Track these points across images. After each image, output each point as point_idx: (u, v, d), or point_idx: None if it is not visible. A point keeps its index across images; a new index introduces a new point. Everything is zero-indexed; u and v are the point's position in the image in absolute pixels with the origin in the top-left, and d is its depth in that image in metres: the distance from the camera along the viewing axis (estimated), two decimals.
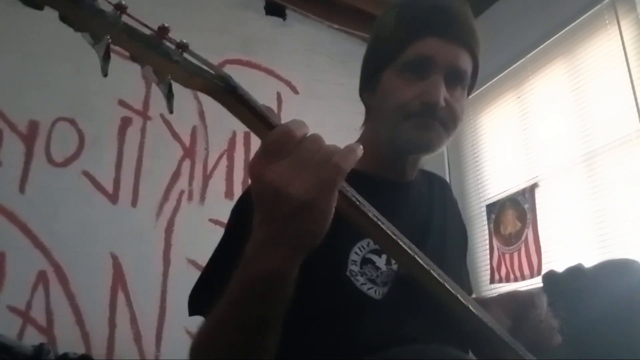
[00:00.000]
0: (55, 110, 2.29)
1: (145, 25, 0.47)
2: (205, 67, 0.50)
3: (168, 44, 0.48)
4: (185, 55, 0.48)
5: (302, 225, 0.51)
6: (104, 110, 2.35)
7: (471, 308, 0.70)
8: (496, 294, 0.94)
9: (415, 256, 0.64)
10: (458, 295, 0.69)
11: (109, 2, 0.45)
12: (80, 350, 2.01)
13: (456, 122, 0.86)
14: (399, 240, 0.62)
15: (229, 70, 2.35)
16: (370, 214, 0.59)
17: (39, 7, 0.43)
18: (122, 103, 2.40)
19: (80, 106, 2.31)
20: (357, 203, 0.57)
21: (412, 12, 0.87)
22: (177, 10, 2.65)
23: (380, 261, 0.80)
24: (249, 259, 0.55)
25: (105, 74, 0.45)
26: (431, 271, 0.66)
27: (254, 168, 0.51)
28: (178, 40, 0.48)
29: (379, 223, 0.59)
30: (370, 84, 0.92)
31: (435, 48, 0.83)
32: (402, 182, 0.92)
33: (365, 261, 0.80)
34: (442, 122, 0.84)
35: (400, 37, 0.86)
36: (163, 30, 0.47)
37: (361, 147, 0.53)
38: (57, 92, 2.27)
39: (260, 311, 0.57)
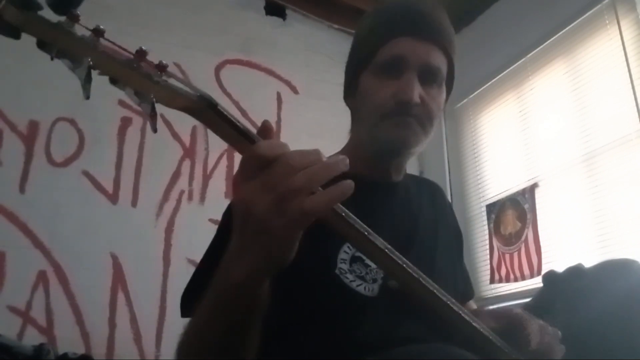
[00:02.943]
0: (55, 110, 2.29)
1: (124, 49, 0.47)
2: (185, 87, 0.50)
3: (147, 66, 0.48)
4: (165, 76, 0.48)
5: (263, 247, 0.51)
6: (104, 110, 2.35)
7: (462, 314, 0.71)
8: (489, 308, 0.94)
9: (403, 264, 0.64)
10: (448, 302, 0.69)
11: (87, 28, 0.45)
12: (80, 350, 2.01)
13: (432, 120, 0.88)
14: (384, 248, 0.62)
15: (229, 70, 2.36)
16: (355, 224, 0.58)
17: (16, 37, 0.43)
18: (122, 103, 2.39)
19: (80, 106, 2.30)
20: (343, 215, 0.57)
21: (385, 16, 0.90)
22: (177, 10, 2.65)
23: None
24: (222, 267, 0.56)
25: (87, 97, 0.45)
26: (419, 278, 0.66)
27: (233, 181, 0.52)
28: (157, 62, 0.48)
29: (365, 232, 0.59)
30: (350, 89, 0.95)
31: (406, 47, 0.85)
32: (388, 182, 0.94)
33: (355, 259, 0.81)
34: (418, 119, 0.86)
35: (374, 40, 0.88)
36: (141, 54, 0.47)
37: (349, 185, 0.50)
38: (57, 92, 2.26)
39: (231, 317, 0.58)
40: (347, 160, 0.51)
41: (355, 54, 0.94)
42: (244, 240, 0.53)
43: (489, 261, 2.60)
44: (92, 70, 0.45)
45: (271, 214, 0.48)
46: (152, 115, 0.48)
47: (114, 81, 0.47)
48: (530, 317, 0.82)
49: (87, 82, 0.45)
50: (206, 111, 0.51)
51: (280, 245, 0.51)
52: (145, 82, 0.47)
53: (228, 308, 0.57)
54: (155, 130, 0.50)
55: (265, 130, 0.53)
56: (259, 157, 0.49)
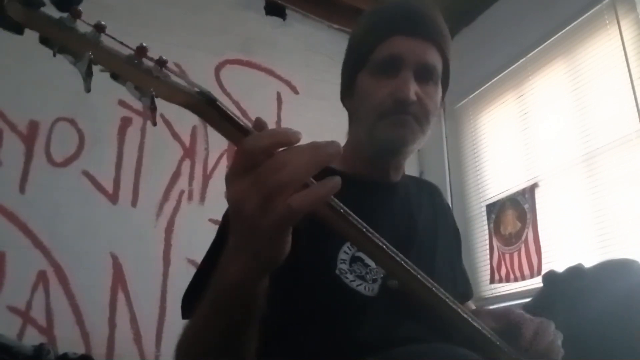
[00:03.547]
0: (55, 110, 2.29)
1: (125, 45, 0.47)
2: (185, 83, 0.50)
3: (147, 62, 0.48)
4: (165, 72, 0.49)
5: (254, 246, 0.51)
6: (104, 110, 2.35)
7: (462, 313, 0.71)
8: (489, 308, 0.94)
9: (402, 262, 0.64)
10: (448, 301, 0.69)
11: (88, 24, 0.45)
12: (80, 350, 2.01)
13: (429, 117, 0.88)
14: (384, 247, 0.62)
15: (229, 70, 2.35)
16: (356, 223, 0.58)
17: (19, 32, 0.44)
18: (122, 103, 2.40)
19: (80, 106, 2.31)
20: (341, 211, 0.57)
21: (380, 16, 0.91)
22: (177, 10, 2.65)
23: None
24: (220, 266, 0.56)
25: (88, 90, 0.45)
26: (419, 277, 0.66)
27: (225, 179, 0.51)
28: (157, 58, 0.48)
29: (364, 230, 0.59)
30: (348, 89, 0.95)
31: (401, 46, 0.86)
32: (387, 183, 0.94)
33: (355, 259, 0.81)
34: (415, 117, 0.86)
35: (370, 40, 0.89)
36: (142, 50, 0.47)
37: (336, 182, 0.49)
38: (57, 92, 2.26)
39: (228, 317, 0.58)
40: (337, 145, 0.50)
41: (352, 54, 0.95)
42: (237, 240, 0.52)
43: (489, 261, 2.60)
44: (93, 66, 0.46)
45: (259, 213, 0.48)
46: (152, 109, 0.48)
47: (114, 76, 0.47)
48: (530, 317, 0.82)
49: (87, 75, 0.45)
50: (205, 107, 0.51)
51: (269, 243, 0.51)
52: (145, 77, 0.47)
53: (225, 308, 0.57)
54: (154, 123, 0.50)
55: (259, 127, 0.53)
56: (246, 151, 0.49)
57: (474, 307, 1.08)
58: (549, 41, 2.48)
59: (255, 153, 0.48)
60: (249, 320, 0.59)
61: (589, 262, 0.98)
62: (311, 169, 0.48)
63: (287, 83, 2.86)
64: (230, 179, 0.50)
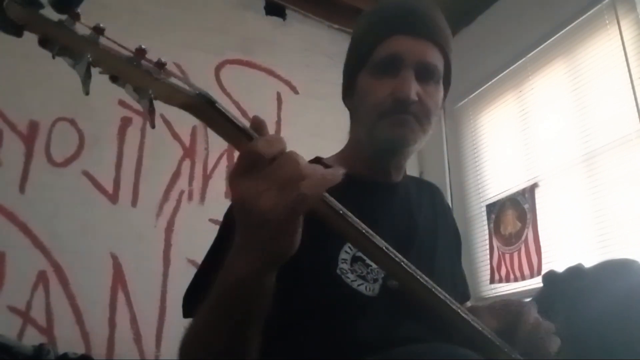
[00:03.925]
0: (55, 110, 2.29)
1: (124, 47, 0.48)
2: (184, 85, 0.50)
3: (146, 63, 0.48)
4: (164, 73, 0.49)
5: (266, 241, 0.52)
6: (104, 110, 2.35)
7: (462, 313, 0.71)
8: (487, 304, 0.94)
9: (401, 263, 0.64)
10: (448, 301, 0.70)
11: (87, 26, 0.45)
12: (80, 350, 2.01)
13: (430, 117, 0.88)
14: (383, 247, 0.62)
15: (229, 70, 2.35)
16: (355, 224, 0.59)
17: (19, 35, 0.44)
18: (122, 103, 2.40)
19: (80, 106, 2.31)
20: (340, 212, 0.57)
21: (380, 15, 0.91)
22: (177, 11, 2.65)
23: None
24: (226, 264, 0.56)
25: (86, 93, 0.45)
26: (419, 277, 0.66)
27: (229, 179, 0.52)
28: (156, 59, 0.49)
29: (364, 231, 0.60)
30: (349, 89, 0.95)
31: (402, 45, 0.85)
32: (388, 183, 0.94)
33: (356, 259, 0.81)
34: (415, 117, 0.86)
35: (370, 39, 0.89)
36: (141, 52, 0.47)
37: (340, 172, 0.52)
38: (57, 92, 2.26)
39: (234, 314, 0.58)
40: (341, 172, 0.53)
41: (352, 55, 0.95)
42: (246, 236, 0.53)
43: (489, 261, 2.60)
44: (92, 68, 0.46)
45: (270, 206, 0.49)
46: (151, 111, 0.49)
47: (114, 79, 0.47)
48: (529, 307, 0.82)
49: (86, 77, 0.45)
50: (205, 108, 0.51)
51: (282, 236, 0.52)
52: (144, 78, 0.48)
53: (227, 307, 0.57)
54: (153, 126, 0.51)
55: (257, 125, 0.53)
56: (257, 154, 0.50)
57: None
58: (549, 41, 2.48)
59: (267, 156, 0.50)
60: (249, 320, 0.59)
61: (589, 262, 0.98)
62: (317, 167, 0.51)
63: (287, 83, 2.86)
64: (236, 177, 0.51)
